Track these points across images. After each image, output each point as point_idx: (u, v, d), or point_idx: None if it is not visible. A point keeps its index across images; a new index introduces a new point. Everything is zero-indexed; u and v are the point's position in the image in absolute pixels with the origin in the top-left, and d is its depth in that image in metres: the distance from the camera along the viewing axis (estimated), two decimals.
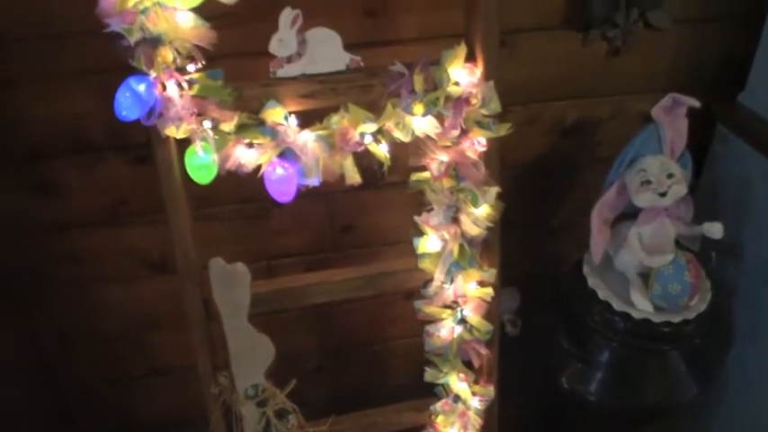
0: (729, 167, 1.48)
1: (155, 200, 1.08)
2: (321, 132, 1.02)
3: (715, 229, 1.26)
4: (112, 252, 1.38)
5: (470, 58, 1.04)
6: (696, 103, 1.23)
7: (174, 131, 0.96)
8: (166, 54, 0.93)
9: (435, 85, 1.01)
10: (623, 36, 1.35)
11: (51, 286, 1.41)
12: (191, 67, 0.97)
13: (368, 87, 1.03)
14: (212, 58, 0.97)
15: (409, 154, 1.07)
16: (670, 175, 1.24)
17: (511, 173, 1.41)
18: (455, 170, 1.09)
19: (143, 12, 0.90)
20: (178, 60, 0.95)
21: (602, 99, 1.44)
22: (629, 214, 1.32)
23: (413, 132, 1.02)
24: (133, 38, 0.90)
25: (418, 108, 1.00)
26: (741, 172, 1.45)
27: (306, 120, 1.02)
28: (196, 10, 0.93)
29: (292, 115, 1.00)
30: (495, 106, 1.03)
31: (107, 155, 1.28)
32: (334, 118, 1.03)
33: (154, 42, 0.92)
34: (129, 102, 0.94)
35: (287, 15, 0.98)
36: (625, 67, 1.41)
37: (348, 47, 1.09)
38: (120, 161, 1.29)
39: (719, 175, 1.50)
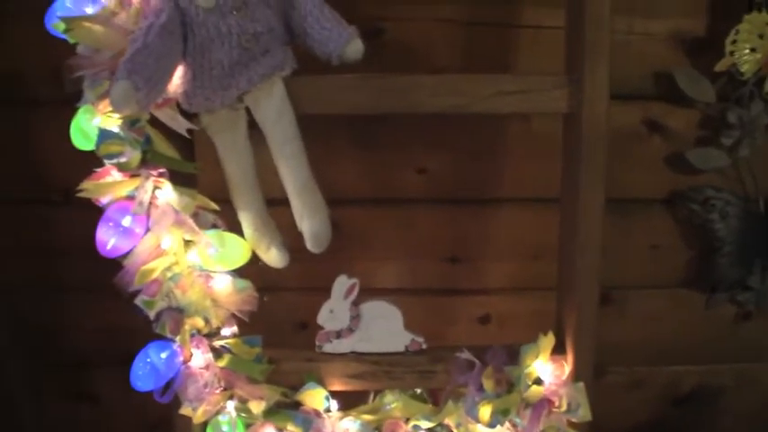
0: None
1: None
2: (367, 418, 0.85)
3: None
4: None
5: (559, 348, 0.86)
6: None
7: (190, 412, 0.82)
8: (196, 321, 0.81)
9: (511, 382, 0.83)
10: (757, 300, 1.13)
11: None
12: (226, 331, 0.84)
13: (429, 374, 0.86)
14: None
15: None
16: None
17: None
18: None
19: (172, 278, 0.78)
20: (212, 324, 0.82)
21: (726, 366, 1.20)
22: None
23: None
24: (154, 310, 0.78)
25: (485, 412, 0.81)
26: None
27: (350, 398, 0.87)
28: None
29: (334, 400, 0.85)
30: (585, 414, 0.83)
31: None
32: (388, 398, 0.87)
33: (181, 311, 0.80)
34: (146, 371, 0.81)
35: (341, 284, 0.84)
36: (757, 332, 1.17)
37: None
38: None
39: None
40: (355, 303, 0.85)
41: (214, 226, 0.80)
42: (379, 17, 0.95)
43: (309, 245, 0.78)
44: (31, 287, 1.15)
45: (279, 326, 1.12)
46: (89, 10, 0.72)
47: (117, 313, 1.12)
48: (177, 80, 0.72)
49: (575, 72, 0.79)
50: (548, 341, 0.84)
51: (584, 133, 0.77)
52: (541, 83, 0.78)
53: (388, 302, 0.85)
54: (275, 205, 0.82)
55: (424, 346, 0.86)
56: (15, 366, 1.20)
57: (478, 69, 0.96)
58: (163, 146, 0.74)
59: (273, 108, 0.75)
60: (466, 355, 0.84)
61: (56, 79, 0.73)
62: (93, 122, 0.74)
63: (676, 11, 1.00)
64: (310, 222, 0.78)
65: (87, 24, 0.69)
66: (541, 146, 1.00)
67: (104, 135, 0.71)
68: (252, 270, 0.83)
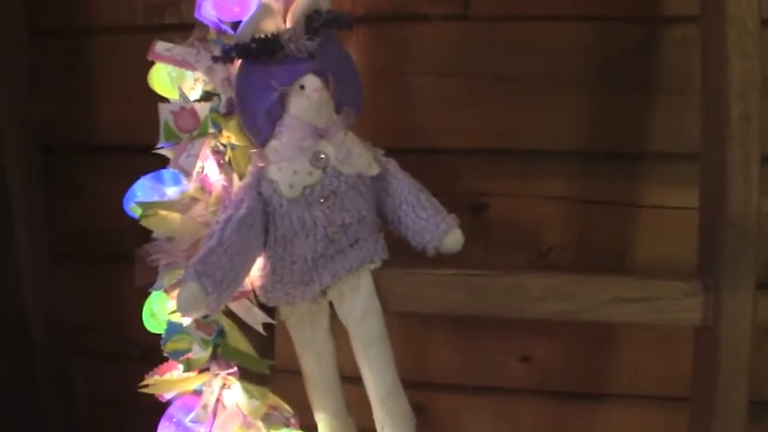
0: None
1: None
2: None
3: None
4: None
5: None
6: None
7: None
8: None
9: None
10: None
11: None
12: None
13: None
14: None
15: None
16: None
17: None
18: None
19: None
20: None
21: None
22: None
23: None
24: None
25: None
26: None
27: None
28: None
29: None
30: None
31: None
32: None
33: None
34: None
35: None
36: None
37: None
38: None
39: None
40: None
41: (286, 425, 0.72)
42: (484, 192, 0.87)
43: None
44: None
45: None
46: (170, 191, 0.67)
47: None
48: (255, 272, 0.66)
49: (709, 275, 0.67)
50: None
51: (722, 355, 0.64)
52: (669, 289, 0.66)
53: None
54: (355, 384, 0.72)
55: None
56: None
57: (591, 252, 0.86)
58: (236, 338, 0.67)
59: (359, 305, 0.67)
60: None
61: (141, 237, 0.68)
62: (167, 306, 0.68)
63: None
64: None
65: (164, 213, 0.64)
66: (665, 337, 0.87)
67: (172, 330, 0.65)
68: None
